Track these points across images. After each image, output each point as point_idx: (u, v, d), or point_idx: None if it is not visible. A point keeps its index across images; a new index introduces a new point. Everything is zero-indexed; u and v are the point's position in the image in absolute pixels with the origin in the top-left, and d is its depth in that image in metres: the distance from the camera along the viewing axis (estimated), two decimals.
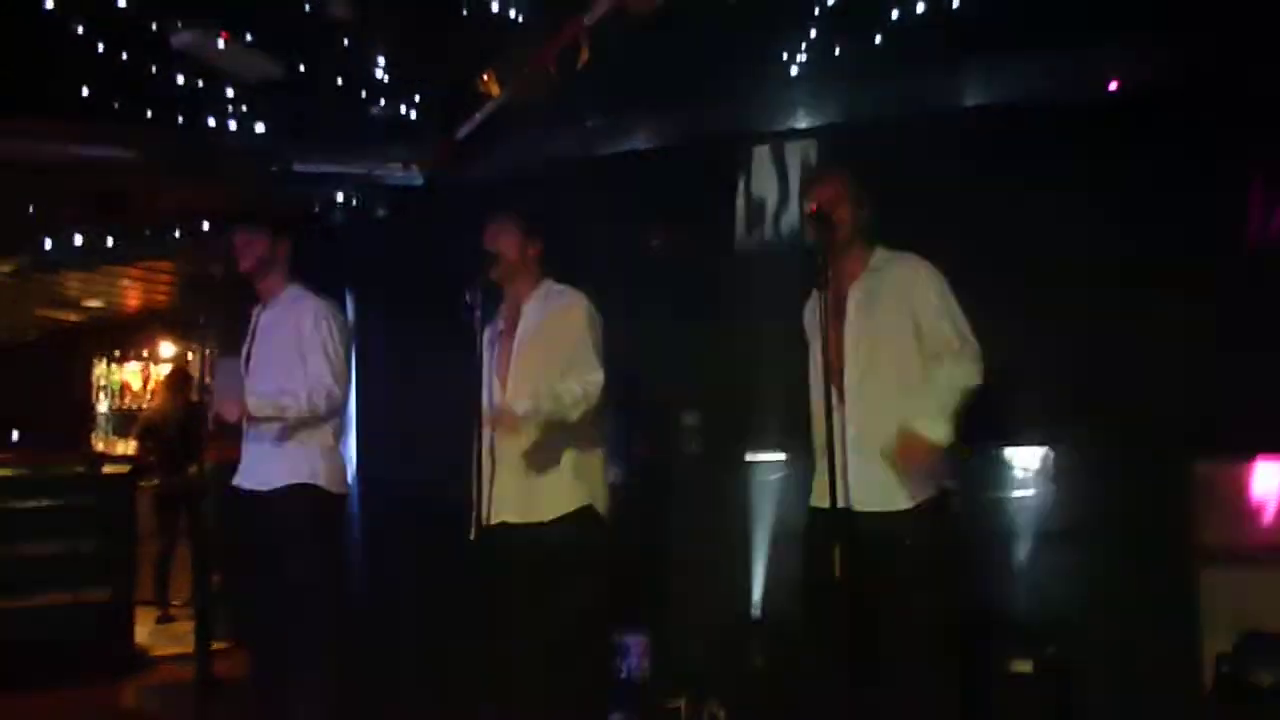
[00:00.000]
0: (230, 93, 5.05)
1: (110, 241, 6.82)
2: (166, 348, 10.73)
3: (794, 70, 4.80)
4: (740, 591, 4.51)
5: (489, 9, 4.19)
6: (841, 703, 2.81)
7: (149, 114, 5.26)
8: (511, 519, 3.26)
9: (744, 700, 4.19)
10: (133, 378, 11.09)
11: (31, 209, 6.25)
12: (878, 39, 4.37)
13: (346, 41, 4.53)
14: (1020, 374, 4.19)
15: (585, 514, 3.32)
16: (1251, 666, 3.64)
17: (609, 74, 4.27)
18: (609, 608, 3.97)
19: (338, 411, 3.67)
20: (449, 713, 3.72)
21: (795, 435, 3.21)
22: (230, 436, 3.77)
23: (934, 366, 2.93)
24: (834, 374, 2.88)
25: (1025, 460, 4.18)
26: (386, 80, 4.96)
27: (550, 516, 3.30)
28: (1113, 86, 4.45)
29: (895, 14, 4.28)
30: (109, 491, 5.73)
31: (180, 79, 4.86)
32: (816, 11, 4.28)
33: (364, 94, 5.16)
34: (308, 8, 4.23)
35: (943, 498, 2.95)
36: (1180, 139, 4.06)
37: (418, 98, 5.23)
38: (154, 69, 4.75)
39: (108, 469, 6.23)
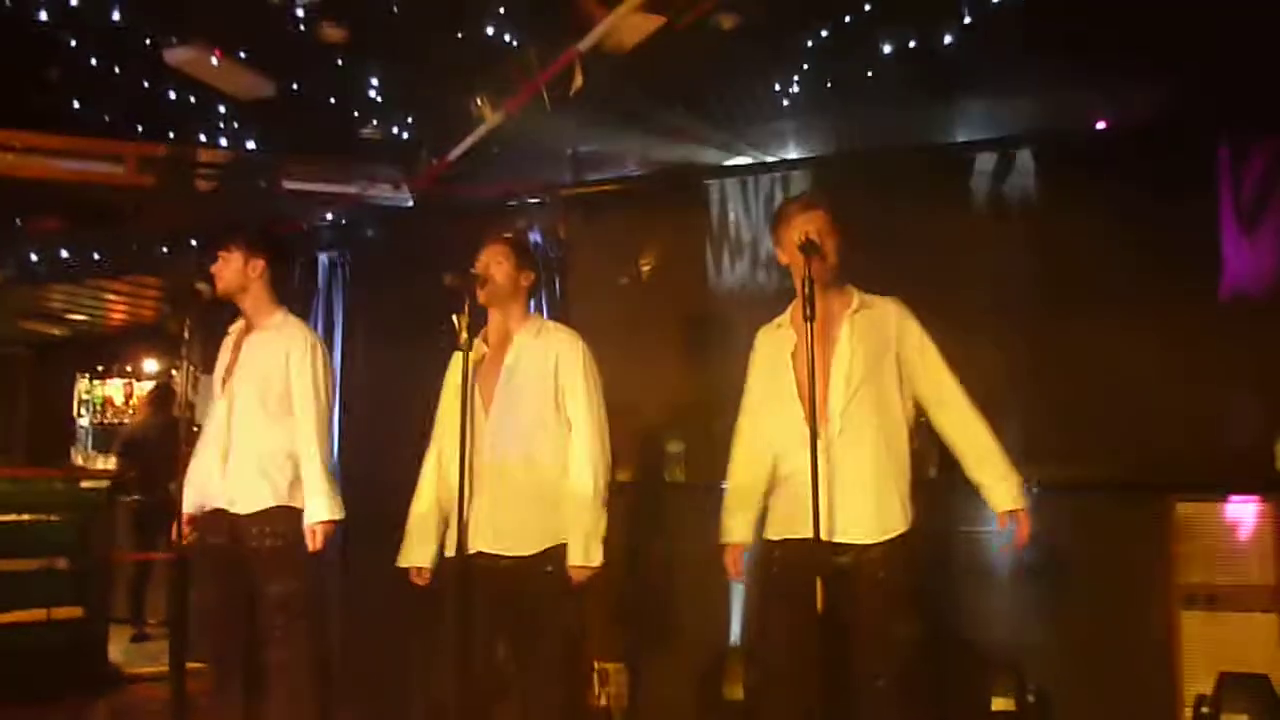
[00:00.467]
0: (222, 109, 5.06)
1: (96, 256, 6.81)
2: (150, 364, 10.68)
3: (785, 101, 4.85)
4: (719, 621, 4.48)
5: (483, 32, 4.22)
6: None
7: (140, 129, 5.27)
8: (490, 549, 3.22)
9: None
10: (115, 393, 11.02)
11: (18, 221, 6.24)
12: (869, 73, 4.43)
13: (339, 61, 4.55)
14: (1001, 412, 4.20)
15: (557, 540, 3.30)
16: (1230, 708, 3.63)
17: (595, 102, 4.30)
18: (589, 636, 3.96)
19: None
20: None
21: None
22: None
23: (956, 422, 2.99)
24: (819, 405, 2.87)
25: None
26: (379, 100, 4.98)
27: (531, 550, 3.26)
28: (1100, 125, 4.51)
29: (887, 49, 4.33)
30: (86, 507, 5.66)
31: (172, 94, 4.87)
32: (809, 44, 4.33)
33: (356, 114, 5.17)
34: (301, 27, 4.24)
35: (912, 532, 2.96)
36: (1159, 179, 4.11)
37: (410, 119, 5.25)
38: (146, 84, 4.76)
39: (86, 484, 6.16)
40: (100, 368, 11.02)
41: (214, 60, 4.46)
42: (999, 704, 3.89)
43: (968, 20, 4.09)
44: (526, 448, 3.27)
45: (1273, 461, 3.93)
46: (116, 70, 4.66)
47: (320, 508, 3.53)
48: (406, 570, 3.40)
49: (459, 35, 4.24)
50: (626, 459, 4.43)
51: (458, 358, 3.35)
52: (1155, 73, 4.12)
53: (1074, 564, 4.03)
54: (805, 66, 4.54)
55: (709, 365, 4.59)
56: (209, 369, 3.88)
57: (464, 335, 3.13)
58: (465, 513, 3.04)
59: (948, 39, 4.24)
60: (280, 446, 3.61)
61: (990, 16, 4.05)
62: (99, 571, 5.63)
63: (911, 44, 4.29)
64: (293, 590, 3.54)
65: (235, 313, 3.79)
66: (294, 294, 5.83)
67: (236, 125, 5.34)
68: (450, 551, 3.26)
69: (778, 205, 3.21)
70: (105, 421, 10.85)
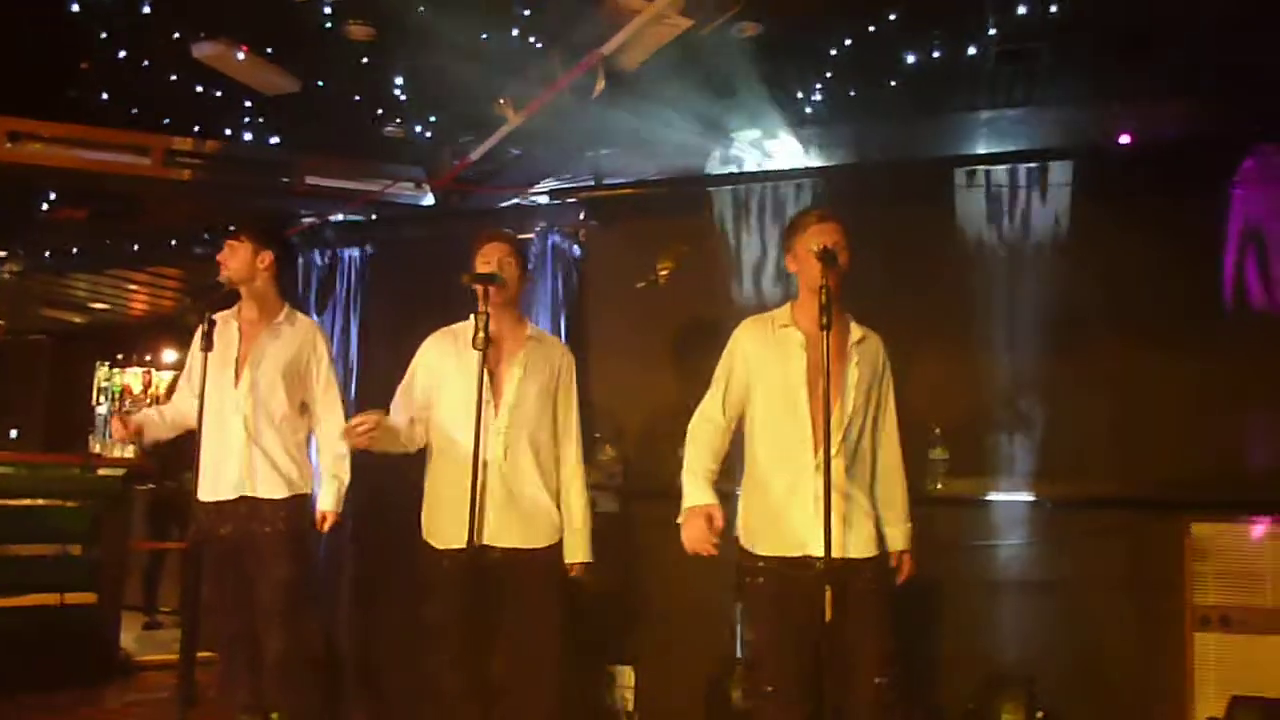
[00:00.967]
0: (247, 105, 5.10)
1: (118, 246, 6.87)
2: (169, 353, 10.76)
3: (808, 109, 4.85)
4: (726, 628, 4.48)
5: (508, 33, 4.24)
6: None
7: (166, 122, 5.32)
8: (498, 543, 3.25)
9: None
10: (134, 381, 11.10)
11: (43, 209, 6.30)
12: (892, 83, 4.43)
13: (364, 59, 4.57)
14: (1016, 430, 4.20)
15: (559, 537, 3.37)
16: None
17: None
18: (598, 640, 3.97)
19: None
20: None
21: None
22: None
23: (890, 467, 3.11)
24: (829, 422, 2.87)
25: (1020, 516, 4.16)
26: (402, 99, 5.01)
27: (541, 544, 3.31)
28: (1124, 140, 4.49)
29: (911, 59, 4.33)
30: (103, 494, 5.70)
31: (199, 89, 4.91)
32: (833, 53, 4.33)
33: (379, 112, 5.20)
34: (328, 25, 4.27)
35: (886, 555, 3.05)
36: (1180, 195, 4.09)
37: (432, 118, 5.28)
38: (174, 78, 4.80)
39: (103, 471, 6.21)
40: (120, 356, 11.11)
41: (240, 56, 4.50)
42: (1008, 719, 3.87)
43: (993, 32, 4.08)
44: (534, 447, 3.33)
45: None
46: (144, 64, 4.70)
47: (332, 497, 3.66)
48: (409, 562, 3.43)
49: (483, 36, 4.25)
50: (636, 462, 4.45)
51: (431, 341, 3.50)
52: (1184, 86, 4.11)
53: (1087, 582, 4.00)
54: (828, 75, 4.54)
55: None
56: None
57: (480, 335, 3.15)
58: (476, 506, 3.12)
59: (972, 50, 4.24)
60: (296, 437, 3.69)
61: (1018, 28, 4.04)
62: (113, 558, 5.67)
63: (935, 55, 4.28)
64: (299, 576, 3.60)
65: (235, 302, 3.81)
66: (318, 289, 5.93)
67: (261, 121, 5.38)
68: (446, 542, 3.28)
69: (794, 214, 3.20)
70: (124, 409, 10.94)
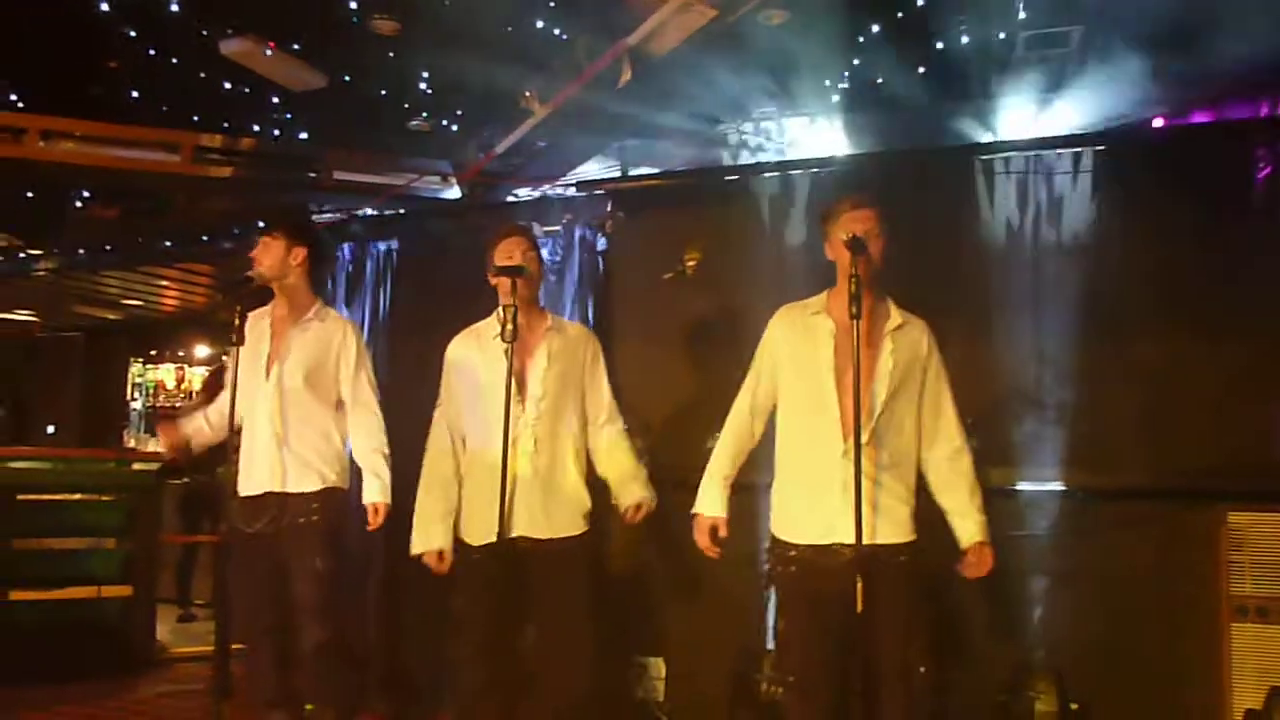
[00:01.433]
0: (275, 101, 5.13)
1: (149, 243, 6.93)
2: (201, 349, 10.87)
3: (835, 97, 4.81)
4: (755, 618, 4.47)
5: (533, 25, 4.23)
6: None
7: (195, 119, 5.35)
8: (527, 534, 3.26)
9: None
10: (167, 377, 11.23)
11: (76, 207, 6.36)
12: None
13: (390, 54, 4.58)
14: (1047, 420, 4.15)
15: (599, 532, 3.39)
16: None
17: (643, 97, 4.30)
18: (627, 630, 3.96)
19: None
20: None
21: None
22: None
23: (948, 455, 3.05)
24: (851, 409, 2.85)
25: (1051, 506, 4.12)
26: (428, 93, 5.01)
27: (573, 532, 3.33)
28: (1157, 124, 4.43)
29: (939, 45, 4.28)
30: (137, 489, 5.77)
31: (227, 85, 4.94)
32: (860, 40, 4.29)
33: (405, 106, 5.21)
34: (354, 20, 4.28)
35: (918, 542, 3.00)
36: (1210, 184, 4.02)
37: (458, 111, 5.28)
38: (202, 75, 4.83)
39: (137, 466, 6.28)
40: (153, 352, 11.24)
41: (268, 52, 4.52)
42: (1041, 710, 3.83)
43: (1023, 15, 4.03)
44: (561, 437, 3.35)
45: None
46: (173, 61, 4.73)
47: (377, 490, 3.65)
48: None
49: (509, 28, 4.25)
50: (663, 453, 4.43)
51: (454, 345, 3.53)
52: (1216, 71, 4.04)
53: (1119, 573, 3.95)
54: (855, 62, 4.50)
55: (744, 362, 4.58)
56: None
57: (509, 327, 3.17)
58: (506, 498, 3.13)
59: (1002, 35, 4.19)
60: (330, 432, 3.70)
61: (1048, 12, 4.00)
62: (147, 552, 5.73)
63: (964, 40, 4.24)
64: (332, 569, 3.61)
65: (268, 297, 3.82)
66: (345, 284, 5.96)
67: (289, 116, 5.41)
68: (481, 538, 3.29)
69: (831, 201, 3.15)
70: (157, 405, 11.07)
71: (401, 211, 6.00)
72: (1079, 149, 4.32)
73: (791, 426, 3.06)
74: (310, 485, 3.62)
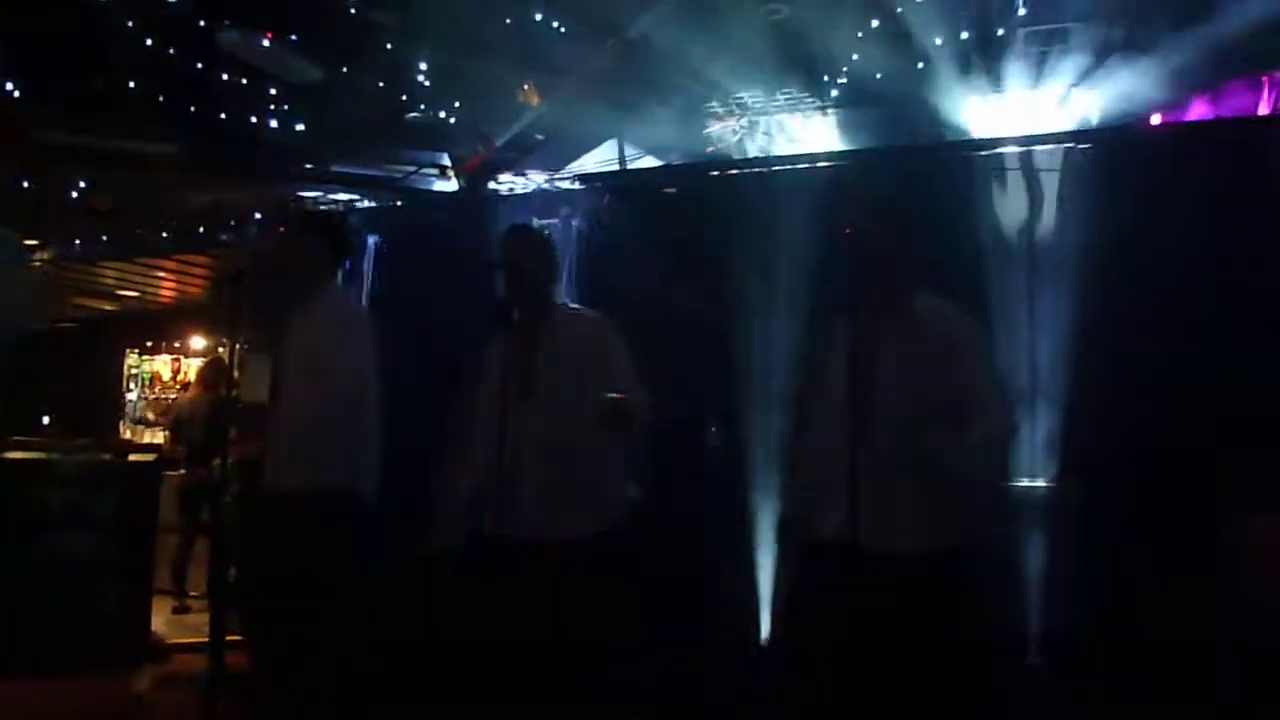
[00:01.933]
0: (272, 93, 5.12)
1: (145, 234, 6.92)
2: (198, 341, 10.86)
3: (834, 91, 4.82)
4: (753, 613, 4.48)
5: (531, 19, 4.23)
6: None
7: (192, 110, 5.34)
8: (526, 534, 3.24)
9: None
10: (163, 368, 11.21)
11: (73, 198, 6.35)
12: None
13: (388, 46, 4.58)
14: (1072, 417, 4.14)
15: (614, 532, 3.31)
16: None
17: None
18: (627, 621, 3.96)
19: None
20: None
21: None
22: (255, 434, 3.80)
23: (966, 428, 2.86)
24: (864, 405, 2.83)
25: (1052, 503, 4.12)
26: (426, 86, 5.01)
27: (574, 535, 3.28)
28: (1156, 120, 4.44)
29: (938, 40, 4.29)
30: (133, 481, 5.76)
31: (225, 77, 4.94)
32: (859, 34, 4.30)
33: (404, 99, 5.21)
34: (352, 12, 4.28)
35: (962, 546, 2.90)
36: (1209, 180, 4.02)
37: (456, 104, 5.28)
38: (199, 66, 4.83)
39: (133, 458, 6.28)
40: (149, 343, 11.22)
41: (265, 44, 4.51)
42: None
43: (1022, 12, 4.04)
44: (571, 430, 3.30)
45: None
46: (170, 52, 4.72)
47: (368, 478, 3.61)
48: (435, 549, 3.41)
49: (507, 21, 4.25)
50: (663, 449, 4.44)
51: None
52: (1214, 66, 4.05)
53: (1123, 571, 3.94)
54: (855, 57, 4.51)
55: (741, 352, 4.58)
56: (255, 347, 3.92)
57: (505, 324, 3.17)
58: (508, 497, 3.10)
59: (1000, 32, 4.19)
60: (332, 424, 3.67)
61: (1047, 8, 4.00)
62: (143, 544, 5.73)
63: (963, 35, 4.24)
64: (330, 566, 3.59)
65: (283, 292, 3.81)
66: (343, 276, 5.95)
67: (286, 108, 5.40)
68: (490, 534, 3.28)
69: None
70: (154, 396, 11.05)
71: (399, 204, 6.00)
72: (1077, 144, 4.33)
73: (810, 423, 3.05)
74: (310, 480, 3.61)
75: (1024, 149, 4.42)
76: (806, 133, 5.12)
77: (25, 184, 6.11)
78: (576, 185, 5.40)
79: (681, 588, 4.51)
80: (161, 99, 5.22)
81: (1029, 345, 4.25)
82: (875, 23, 4.20)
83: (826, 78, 4.70)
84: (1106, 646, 3.94)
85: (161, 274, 8.76)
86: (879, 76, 4.63)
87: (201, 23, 4.42)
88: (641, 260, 4.98)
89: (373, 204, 6.02)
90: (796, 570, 2.99)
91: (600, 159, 5.50)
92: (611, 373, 3.30)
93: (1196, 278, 4.02)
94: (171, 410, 7.99)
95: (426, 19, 4.22)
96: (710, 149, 5.22)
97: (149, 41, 4.63)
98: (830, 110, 4.99)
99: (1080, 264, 4.22)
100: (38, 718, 4.51)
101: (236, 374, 3.65)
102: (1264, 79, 4.16)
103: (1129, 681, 3.88)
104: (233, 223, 6.60)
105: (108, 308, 10.35)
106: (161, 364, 11.19)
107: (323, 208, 6.05)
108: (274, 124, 5.57)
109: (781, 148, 5.16)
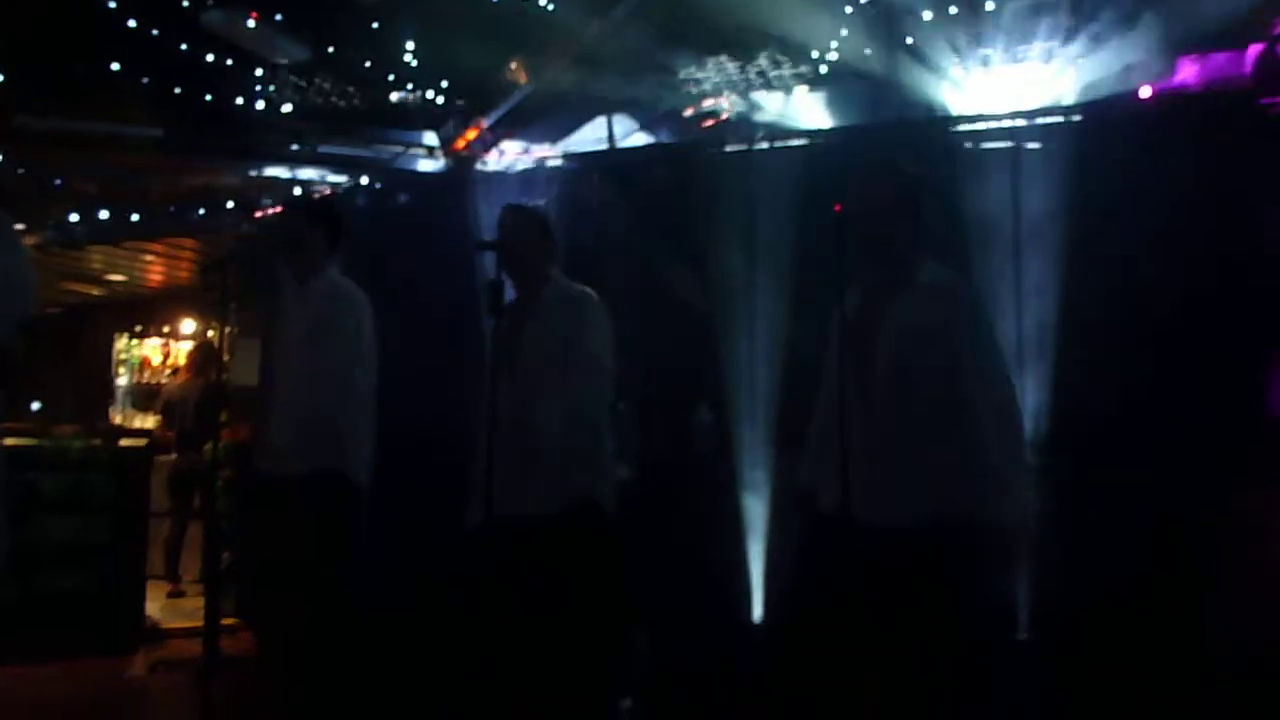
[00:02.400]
0: (258, 73, 5.08)
1: (133, 218, 6.87)
2: (187, 325, 10.82)
3: (823, 69, 4.80)
4: (745, 592, 4.50)
5: None
6: (841, 709, 2.80)
7: (178, 92, 5.30)
8: (514, 510, 3.25)
9: (743, 700, 4.19)
10: (153, 353, 11.17)
11: (58, 182, 6.31)
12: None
13: (375, 25, 4.54)
14: (1066, 393, 4.15)
15: (587, 506, 3.32)
16: None
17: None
18: (617, 602, 3.97)
19: None
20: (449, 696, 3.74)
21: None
22: (246, 418, 3.79)
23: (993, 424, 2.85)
24: (863, 380, 2.83)
25: (1044, 480, 4.13)
26: (414, 65, 4.98)
27: (557, 508, 3.30)
28: (1145, 94, 4.43)
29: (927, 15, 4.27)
30: (125, 466, 5.75)
31: (210, 58, 4.89)
32: (849, 9, 4.27)
33: (390, 78, 5.17)
34: None
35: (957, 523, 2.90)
36: (1201, 152, 4.02)
37: (444, 83, 5.24)
38: (184, 47, 4.78)
39: (124, 443, 6.27)
40: (138, 328, 11.17)
41: (250, 24, 4.47)
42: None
43: None
44: (548, 408, 3.31)
45: None
46: (154, 33, 4.68)
47: (363, 462, 3.61)
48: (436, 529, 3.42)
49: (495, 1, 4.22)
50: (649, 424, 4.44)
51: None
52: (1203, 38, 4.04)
53: (1112, 546, 3.96)
54: (844, 33, 4.48)
55: (734, 332, 4.58)
56: (246, 331, 3.91)
57: (493, 303, 3.16)
58: (492, 475, 3.09)
59: (989, 5, 4.17)
60: (322, 405, 3.66)
61: None
62: (136, 528, 5.73)
63: (952, 10, 4.22)
64: (328, 548, 3.60)
65: (275, 275, 3.80)
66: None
67: (272, 89, 5.36)
68: (477, 515, 3.28)
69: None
70: (143, 381, 11.02)
71: (386, 184, 5.97)
72: (1068, 118, 4.32)
73: (821, 395, 3.05)
74: (309, 462, 3.61)
75: (1015, 123, 4.42)
76: (794, 109, 5.10)
77: (9, 168, 6.07)
78: (565, 164, 5.38)
79: (674, 564, 4.52)
80: (146, 81, 5.18)
81: (1016, 318, 4.25)
82: None
83: (815, 53, 4.68)
84: (1097, 621, 3.96)
85: (149, 258, 8.70)
86: (867, 52, 4.60)
87: (185, 3, 4.37)
88: (630, 238, 4.97)
89: (362, 184, 5.98)
90: (801, 544, 2.99)
91: (589, 137, 5.47)
92: (579, 347, 3.31)
93: (1187, 249, 4.02)
94: (162, 395, 7.96)
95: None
96: (699, 122, 5.18)
97: (133, 23, 4.58)
98: (816, 87, 4.97)
99: (1069, 236, 4.22)
100: (32, 704, 4.51)
101: (227, 358, 3.63)
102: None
103: (1120, 656, 3.91)
104: (220, 206, 6.56)
105: (96, 293, 10.29)
106: (151, 348, 11.15)
107: (315, 190, 6.02)
108: (260, 105, 5.53)
109: (771, 124, 5.13)
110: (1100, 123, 4.30)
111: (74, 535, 5.50)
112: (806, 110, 5.08)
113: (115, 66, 4.99)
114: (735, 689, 4.24)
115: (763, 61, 4.74)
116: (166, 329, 11.06)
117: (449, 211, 5.29)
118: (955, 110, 4.66)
